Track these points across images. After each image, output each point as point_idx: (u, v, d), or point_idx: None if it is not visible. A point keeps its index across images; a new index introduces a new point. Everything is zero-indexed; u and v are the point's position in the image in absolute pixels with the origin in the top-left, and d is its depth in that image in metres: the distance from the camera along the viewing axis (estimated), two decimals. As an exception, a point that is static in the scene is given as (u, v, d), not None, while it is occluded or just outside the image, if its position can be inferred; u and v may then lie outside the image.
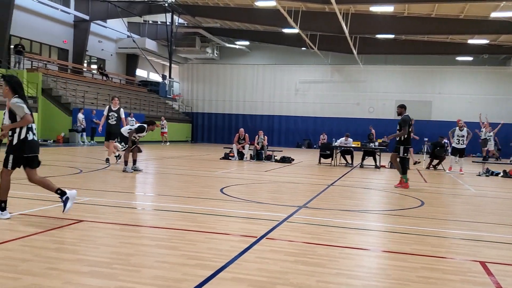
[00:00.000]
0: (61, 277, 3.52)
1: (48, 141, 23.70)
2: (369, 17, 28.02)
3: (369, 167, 17.32)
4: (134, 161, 12.02)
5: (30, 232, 4.89)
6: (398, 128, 11.01)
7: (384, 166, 17.35)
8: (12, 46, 26.78)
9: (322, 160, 18.45)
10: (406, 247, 5.02)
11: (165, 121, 30.73)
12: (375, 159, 17.43)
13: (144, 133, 12.08)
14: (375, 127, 27.13)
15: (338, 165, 17.56)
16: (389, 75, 37.46)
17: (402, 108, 11.10)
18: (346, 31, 26.17)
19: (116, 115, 13.38)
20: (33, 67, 27.45)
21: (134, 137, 11.88)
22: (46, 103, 25.81)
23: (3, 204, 5.59)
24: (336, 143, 18.14)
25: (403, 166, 10.86)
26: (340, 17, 23.36)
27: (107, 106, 13.50)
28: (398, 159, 10.96)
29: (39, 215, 5.81)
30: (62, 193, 5.69)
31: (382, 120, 35.95)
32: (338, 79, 38.64)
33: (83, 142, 24.90)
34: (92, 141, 25.69)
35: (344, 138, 18.05)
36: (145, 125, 11.97)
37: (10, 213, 5.72)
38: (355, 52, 32.27)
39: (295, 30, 28.27)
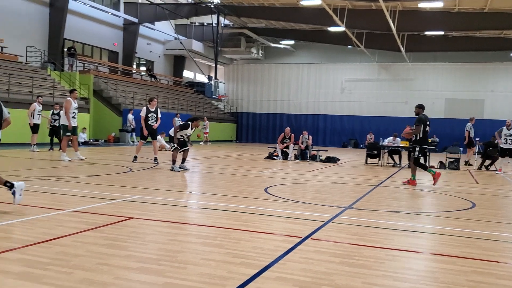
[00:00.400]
0: (111, 272, 3.65)
1: (100, 140, 24.51)
2: (417, 13, 27.34)
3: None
4: (183, 160, 12.27)
5: (82, 228, 5.08)
6: (414, 128, 11.00)
7: (433, 167, 16.88)
8: (65, 49, 27.89)
9: (369, 160, 18.16)
10: (456, 250, 4.88)
11: (207, 121, 31.10)
12: (424, 159, 16.98)
13: (190, 130, 12.29)
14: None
15: (386, 165, 17.23)
16: (439, 73, 36.41)
17: (419, 108, 11.19)
18: (394, 28, 25.66)
19: (155, 115, 13.70)
20: (85, 69, 28.48)
21: (181, 135, 12.13)
22: (97, 104, 26.70)
23: None
24: (383, 143, 17.81)
25: (419, 165, 10.93)
26: (387, 15, 22.93)
27: (144, 108, 13.74)
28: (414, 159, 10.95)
29: (90, 212, 6.02)
30: (10, 186, 5.91)
31: (431, 119, 35.05)
32: (385, 77, 37.93)
33: (133, 141, 25.58)
34: (144, 141, 26.33)
35: (392, 137, 17.70)
36: (189, 122, 12.24)
37: (63, 210, 5.97)
38: (403, 49, 31.58)
39: (341, 28, 27.98)
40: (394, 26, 25.30)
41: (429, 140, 19.31)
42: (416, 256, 4.68)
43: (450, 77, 36.14)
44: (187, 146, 12.47)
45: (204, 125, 30.64)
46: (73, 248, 4.26)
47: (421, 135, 10.80)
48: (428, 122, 10.96)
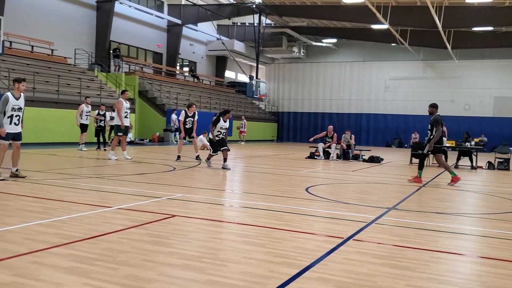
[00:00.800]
0: (155, 269, 3.73)
1: (144, 140, 25.07)
2: (464, 9, 26.50)
3: (464, 167, 16.40)
4: (224, 160, 12.46)
5: (127, 225, 5.22)
6: (429, 128, 10.88)
7: (481, 167, 16.35)
8: (111, 51, 28.70)
9: (414, 160, 17.74)
10: (505, 253, 4.71)
11: (244, 120, 31.08)
12: (471, 159, 16.48)
13: (224, 123, 12.54)
14: (472, 126, 25.64)
15: (431, 166, 16.80)
16: (487, 70, 35.15)
17: (433, 107, 10.99)
18: (439, 25, 24.97)
19: (192, 119, 14.10)
20: (131, 71, 29.20)
21: (218, 131, 12.44)
22: (142, 104, 27.33)
23: None
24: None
25: (421, 161, 11.11)
26: (432, 11, 22.33)
27: (183, 111, 14.14)
28: (435, 156, 11.01)
29: (136, 209, 6.18)
30: None
31: (479, 118, 33.90)
32: (430, 75, 36.98)
33: (176, 141, 26.00)
34: (184, 141, 26.74)
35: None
36: (220, 116, 12.53)
37: (110, 207, 6.16)
38: (449, 46, 30.70)
39: (385, 26, 27.48)
40: (440, 22, 24.62)
41: (477, 140, 18.70)
42: (462, 259, 4.55)
43: (499, 74, 34.81)
44: (226, 146, 12.61)
45: (242, 124, 30.68)
46: (119, 245, 4.39)
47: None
48: (443, 122, 10.94)
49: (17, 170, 8.87)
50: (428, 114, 11.27)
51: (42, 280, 3.35)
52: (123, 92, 14.62)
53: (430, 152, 10.97)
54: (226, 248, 4.45)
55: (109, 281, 3.39)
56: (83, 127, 17.27)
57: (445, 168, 11.20)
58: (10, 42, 22.44)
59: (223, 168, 12.25)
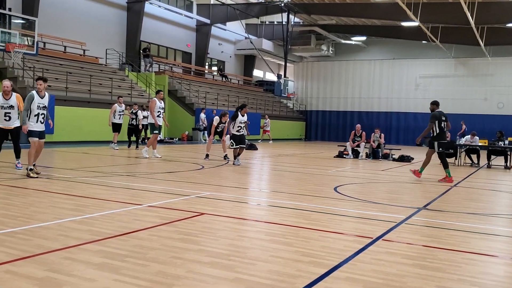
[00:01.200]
0: (184, 266, 3.78)
1: (174, 139, 25.36)
2: (498, 5, 25.81)
3: (498, 167, 15.99)
4: (238, 154, 13.18)
5: (157, 222, 5.30)
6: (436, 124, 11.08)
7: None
8: (141, 51, 29.13)
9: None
10: (541, 256, 4.57)
11: (268, 119, 30.75)
12: (505, 159, 16.05)
13: (242, 117, 13.11)
14: (506, 124, 24.95)
15: (463, 165, 16.45)
16: (522, 67, 34.15)
17: (433, 105, 11.30)
18: (472, 21, 24.37)
19: (223, 125, 14.52)
20: (160, 70, 29.58)
21: (238, 127, 13.02)
22: (172, 103, 27.65)
23: None
24: (461, 142, 17.00)
25: (443, 161, 11.05)
26: (465, 7, 21.82)
27: (216, 117, 14.56)
28: (437, 155, 11.16)
29: (165, 207, 6.26)
30: None
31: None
32: (462, 73, 36.16)
33: (205, 139, 26.20)
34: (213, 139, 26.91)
35: (469, 136, 16.86)
36: (238, 111, 13.18)
37: (140, 205, 6.26)
38: (481, 43, 29.94)
39: (415, 23, 27.00)
40: (472, 19, 24.02)
41: (510, 139, 18.17)
42: (495, 260, 4.44)
43: (536, 72, 33.81)
44: (244, 144, 13.25)
45: (265, 123, 30.44)
46: (149, 242, 4.46)
47: (437, 131, 10.94)
48: (443, 118, 11.02)
49: (34, 165, 9.08)
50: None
51: (74, 275, 3.44)
52: (158, 92, 14.78)
53: (442, 149, 11.01)
54: (253, 247, 4.46)
55: (139, 278, 3.44)
56: (116, 127, 17.46)
57: (424, 163, 11.32)
58: (44, 43, 23.03)
59: (234, 164, 12.75)
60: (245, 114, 13.22)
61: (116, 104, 17.47)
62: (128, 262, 3.80)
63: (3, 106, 9.39)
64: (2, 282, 3.22)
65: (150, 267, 3.71)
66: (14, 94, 9.55)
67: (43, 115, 9.14)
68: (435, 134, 10.97)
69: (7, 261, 3.70)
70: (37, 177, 8.63)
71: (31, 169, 8.76)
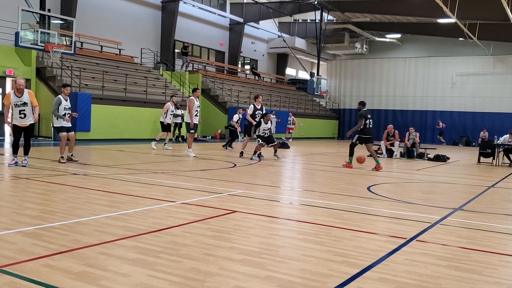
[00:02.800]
0: (216, 263, 3.82)
1: (207, 137, 25.58)
2: (540, -1, 24.91)
3: (539, 168, 15.45)
4: (255, 152, 13.93)
5: (190, 219, 5.37)
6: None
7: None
8: (177, 51, 29.46)
9: (482, 159, 16.95)
10: None
11: (292, 117, 29.69)
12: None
13: (267, 125, 13.94)
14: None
15: (501, 165, 15.99)
16: None
17: (360, 105, 13.17)
18: (512, 17, 23.63)
19: (261, 112, 14.24)
20: (194, 69, 29.88)
21: (263, 132, 13.89)
22: (205, 102, 27.89)
23: None
24: (498, 141, 16.52)
25: (351, 149, 12.86)
26: (504, 3, 21.16)
27: (252, 106, 14.31)
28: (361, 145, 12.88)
29: (198, 204, 6.33)
30: None
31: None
32: (501, 70, 35.09)
33: (243, 138, 26.14)
34: (249, 138, 26.93)
35: (508, 135, 16.36)
36: (261, 120, 14.19)
37: (173, 202, 6.36)
38: (522, 40, 29.00)
39: (452, 20, 26.37)
40: (512, 14, 23.30)
41: None
42: (535, 264, 4.31)
43: None
44: (273, 142, 14.20)
45: (289, 121, 29.43)
46: (182, 238, 4.52)
47: (361, 127, 12.49)
48: (369, 116, 12.74)
49: (72, 155, 11.10)
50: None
51: (109, 270, 3.52)
52: (194, 90, 14.41)
53: (358, 142, 12.65)
54: (285, 245, 4.47)
55: (172, 274, 3.50)
56: (167, 127, 17.08)
57: (373, 156, 12.83)
58: (81, 43, 23.61)
59: (251, 159, 13.52)
60: (260, 105, 14.55)
61: (169, 103, 17.18)
62: (161, 258, 3.87)
63: (16, 104, 9.56)
64: (41, 276, 3.33)
65: (183, 263, 3.76)
66: (26, 90, 9.75)
67: (68, 114, 10.88)
68: (359, 130, 12.58)
69: (46, 255, 3.82)
70: (64, 163, 10.61)
71: (62, 157, 10.77)
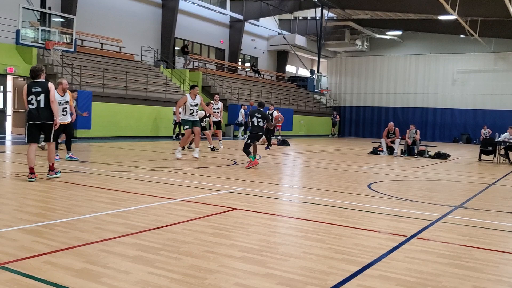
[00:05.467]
0: (217, 260, 3.82)
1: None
2: (542, -4, 24.84)
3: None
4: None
5: (190, 217, 5.37)
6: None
7: None
8: (177, 48, 29.41)
9: (483, 156, 16.95)
10: None
11: (276, 112, 26.62)
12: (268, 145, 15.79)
13: (194, 101, 13.69)
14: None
15: (502, 163, 15.98)
16: None
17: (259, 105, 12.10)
18: (513, 14, 23.58)
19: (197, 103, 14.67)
20: (194, 67, 29.85)
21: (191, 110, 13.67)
22: (205, 99, 27.79)
23: None
24: (499, 138, 16.52)
25: (246, 149, 11.42)
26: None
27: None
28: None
29: (198, 202, 6.33)
30: None
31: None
32: (502, 67, 35.04)
33: (243, 136, 26.07)
34: (244, 135, 26.93)
35: (508, 132, 16.36)
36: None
37: (174, 199, 6.36)
38: (523, 37, 28.94)
39: (453, 17, 26.32)
40: (514, 11, 23.25)
41: None
42: (536, 261, 4.31)
43: None
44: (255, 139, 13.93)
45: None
46: (182, 236, 4.53)
47: (250, 125, 11.81)
48: (256, 114, 11.70)
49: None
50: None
51: (110, 267, 3.52)
52: (192, 87, 13.68)
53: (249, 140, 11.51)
54: (285, 243, 4.47)
55: (173, 271, 3.50)
56: (216, 124, 16.88)
57: (253, 150, 11.64)
58: (82, 40, 23.59)
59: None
60: (196, 97, 13.43)
61: (212, 101, 17.03)
62: (162, 255, 3.87)
63: (60, 102, 9.95)
64: (42, 273, 3.34)
65: (183, 260, 3.77)
66: (67, 90, 10.38)
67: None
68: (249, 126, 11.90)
69: (47, 252, 3.82)
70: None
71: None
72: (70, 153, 11.04)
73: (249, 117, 11.96)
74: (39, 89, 7.51)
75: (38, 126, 7.58)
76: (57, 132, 9.63)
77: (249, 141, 11.51)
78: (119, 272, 3.43)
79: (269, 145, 18.05)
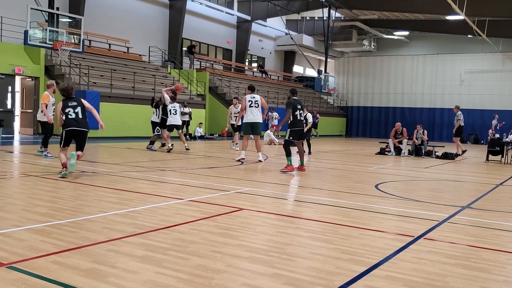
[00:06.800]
0: (224, 260, 3.83)
1: (214, 135, 25.60)
2: (550, -4, 24.67)
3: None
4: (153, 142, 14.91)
5: (198, 217, 5.38)
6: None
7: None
8: (185, 49, 29.49)
9: (491, 157, 16.84)
10: None
11: (275, 113, 26.71)
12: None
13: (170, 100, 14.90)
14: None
15: (510, 163, 15.87)
16: None
17: (290, 93, 10.79)
18: (522, 13, 23.42)
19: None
20: (201, 67, 29.90)
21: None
22: (212, 100, 27.92)
23: None
24: (507, 139, 16.40)
25: (286, 148, 10.47)
26: (514, -1, 20.99)
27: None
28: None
29: (206, 202, 6.35)
30: None
31: None
32: (510, 67, 34.83)
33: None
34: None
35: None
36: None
37: (181, 199, 6.38)
38: (532, 37, 28.73)
39: (460, 17, 26.18)
40: (522, 11, 23.11)
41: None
42: (544, 263, 4.28)
43: None
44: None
45: (272, 116, 26.19)
46: (189, 235, 4.54)
47: (291, 119, 10.32)
48: (299, 106, 10.46)
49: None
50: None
51: (118, 267, 3.54)
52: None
53: (292, 138, 10.43)
54: (292, 243, 4.47)
55: (180, 271, 3.51)
56: (235, 127, 16.89)
57: (300, 154, 10.93)
58: (90, 41, 23.71)
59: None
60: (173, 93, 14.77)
61: (232, 106, 16.99)
62: (169, 255, 3.89)
63: (53, 103, 11.26)
64: (50, 272, 3.36)
65: (190, 260, 3.78)
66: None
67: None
68: (289, 122, 10.38)
69: (55, 252, 3.85)
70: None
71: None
72: (47, 151, 11.39)
73: (292, 109, 10.25)
74: (75, 103, 8.58)
75: (75, 132, 8.41)
76: (50, 131, 11.34)
77: (291, 138, 10.37)
78: (127, 272, 3.45)
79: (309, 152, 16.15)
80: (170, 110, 14.77)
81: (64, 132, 8.39)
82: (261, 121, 12.35)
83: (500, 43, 34.20)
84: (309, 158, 14.93)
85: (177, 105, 15.11)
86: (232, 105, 17.14)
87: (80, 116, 8.48)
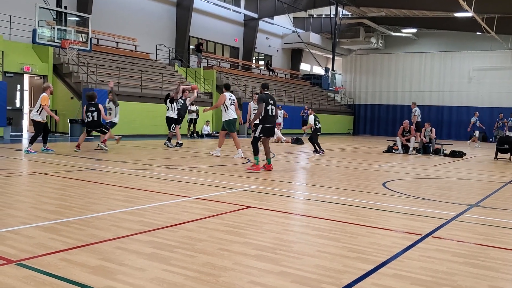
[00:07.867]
0: (231, 258, 3.84)
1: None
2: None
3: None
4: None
5: (205, 215, 5.40)
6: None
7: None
8: (192, 47, 29.53)
9: (500, 155, 16.72)
10: None
11: (282, 111, 25.17)
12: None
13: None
14: None
15: (519, 161, 15.75)
16: None
17: (262, 87, 10.31)
18: (532, 10, 23.20)
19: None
20: (209, 65, 29.93)
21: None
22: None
23: None
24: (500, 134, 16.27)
25: (254, 145, 10.04)
26: (524, -4, 20.80)
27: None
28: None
29: (213, 199, 6.36)
30: None
31: None
32: (520, 65, 34.51)
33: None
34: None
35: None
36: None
37: (189, 197, 6.40)
38: (542, 33, 28.46)
39: (469, 14, 25.96)
40: (532, 7, 22.90)
41: None
42: (554, 261, 4.24)
43: None
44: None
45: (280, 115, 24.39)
46: (197, 233, 4.55)
47: (262, 115, 9.87)
48: (271, 101, 9.97)
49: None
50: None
51: (125, 265, 3.56)
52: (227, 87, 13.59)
53: (262, 135, 9.98)
54: (299, 241, 4.47)
55: (187, 268, 3.53)
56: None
57: (266, 151, 10.22)
58: (97, 39, 23.80)
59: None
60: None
61: (251, 102, 16.81)
62: (177, 253, 3.90)
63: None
64: (58, 269, 3.39)
65: (198, 258, 3.79)
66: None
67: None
68: (261, 117, 9.93)
69: (63, 249, 3.88)
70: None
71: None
72: (46, 146, 12.25)
73: (263, 103, 9.82)
74: (93, 109, 12.60)
75: (91, 128, 12.77)
76: (41, 131, 11.96)
77: (261, 135, 9.95)
78: (135, 269, 3.47)
79: (320, 150, 15.65)
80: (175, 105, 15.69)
81: (85, 129, 12.92)
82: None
83: (509, 41, 33.92)
84: (318, 156, 14.92)
85: (181, 101, 15.93)
86: (251, 101, 17.18)
87: (95, 119, 12.66)
